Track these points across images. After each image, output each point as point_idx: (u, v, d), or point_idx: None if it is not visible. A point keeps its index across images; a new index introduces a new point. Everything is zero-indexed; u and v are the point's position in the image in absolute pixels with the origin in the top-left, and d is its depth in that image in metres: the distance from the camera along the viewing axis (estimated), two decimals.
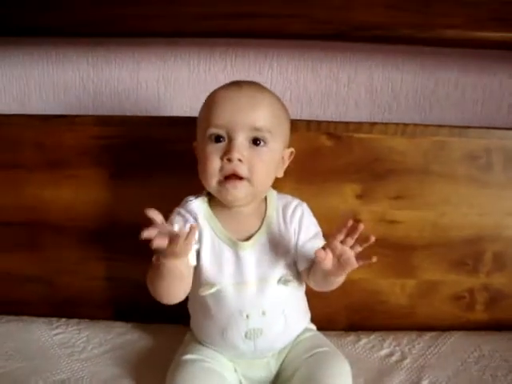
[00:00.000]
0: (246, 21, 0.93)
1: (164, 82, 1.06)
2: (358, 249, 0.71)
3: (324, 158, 0.95)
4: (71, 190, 0.99)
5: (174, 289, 0.77)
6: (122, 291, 1.02)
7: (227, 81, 1.03)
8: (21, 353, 0.89)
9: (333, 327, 0.97)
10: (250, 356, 0.81)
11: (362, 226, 0.70)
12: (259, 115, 0.77)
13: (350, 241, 0.71)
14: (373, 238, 0.70)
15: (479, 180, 0.96)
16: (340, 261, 0.72)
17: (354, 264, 0.71)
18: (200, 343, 0.83)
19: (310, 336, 0.85)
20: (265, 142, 0.77)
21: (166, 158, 0.96)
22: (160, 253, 0.71)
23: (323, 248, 0.72)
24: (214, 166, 0.76)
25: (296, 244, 0.81)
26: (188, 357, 0.80)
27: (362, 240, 0.71)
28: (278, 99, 0.82)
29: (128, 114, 1.07)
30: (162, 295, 0.78)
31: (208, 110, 0.78)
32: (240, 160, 0.75)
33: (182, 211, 0.82)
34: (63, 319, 1.00)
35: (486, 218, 0.97)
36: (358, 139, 0.94)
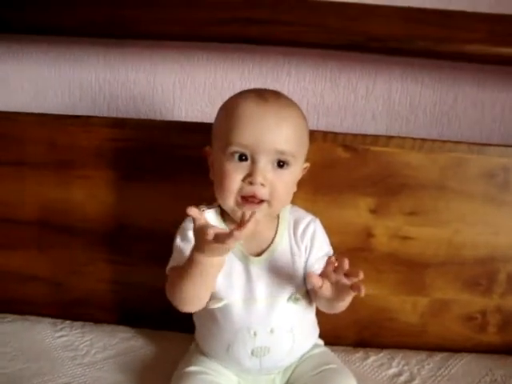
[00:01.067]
0: (264, 27, 0.92)
1: (180, 86, 1.06)
2: (346, 281, 0.69)
3: (339, 170, 0.94)
4: (82, 191, 0.98)
5: (203, 291, 0.73)
6: (129, 295, 1.01)
7: (244, 87, 1.02)
8: (24, 354, 0.88)
9: (341, 342, 0.96)
10: (256, 373, 0.79)
11: (346, 263, 0.68)
12: (284, 138, 0.74)
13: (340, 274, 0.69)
14: (361, 275, 0.68)
15: (496, 198, 0.94)
16: (338, 287, 0.70)
17: (350, 292, 0.69)
18: (204, 355, 0.82)
19: (317, 352, 0.83)
20: (288, 165, 0.76)
21: (180, 163, 0.95)
22: (201, 249, 0.66)
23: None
24: (234, 185, 0.74)
25: (306, 262, 0.80)
26: (192, 368, 0.78)
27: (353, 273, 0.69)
28: (301, 113, 0.80)
29: (143, 117, 1.06)
30: (186, 299, 0.73)
31: (230, 123, 0.75)
32: (262, 184, 0.74)
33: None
34: (67, 321, 0.99)
35: (501, 238, 0.95)
36: (374, 152, 0.93)
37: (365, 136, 0.94)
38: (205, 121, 1.02)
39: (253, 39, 0.95)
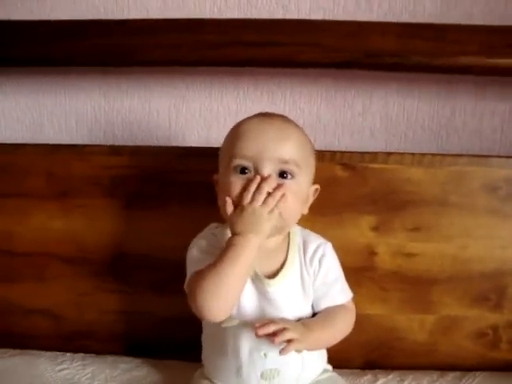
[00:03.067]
0: (258, 50, 0.92)
1: (176, 111, 1.06)
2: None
3: (338, 188, 0.93)
4: (81, 221, 0.98)
5: (237, 282, 0.71)
6: (131, 325, 1.00)
7: (239, 110, 1.03)
8: None
9: (349, 365, 0.93)
10: None
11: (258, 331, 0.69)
12: (287, 147, 0.74)
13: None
14: (261, 331, 0.69)
15: (500, 211, 0.93)
16: None
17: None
18: (210, 381, 0.80)
19: (326, 377, 0.81)
20: (292, 176, 0.75)
21: (178, 189, 0.95)
22: (240, 233, 0.70)
23: None
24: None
25: (313, 286, 0.79)
26: None
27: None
28: (304, 132, 0.80)
29: (139, 143, 1.06)
30: (223, 298, 0.70)
31: (233, 141, 0.76)
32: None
33: (208, 233, 0.80)
34: (68, 354, 0.98)
35: (508, 251, 0.94)
36: (373, 170, 0.92)
37: (363, 154, 0.93)
38: (201, 145, 1.03)
39: (247, 61, 0.95)
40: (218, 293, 0.70)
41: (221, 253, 0.71)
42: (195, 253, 0.78)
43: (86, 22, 0.99)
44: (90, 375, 0.91)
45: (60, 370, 0.93)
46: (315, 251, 0.80)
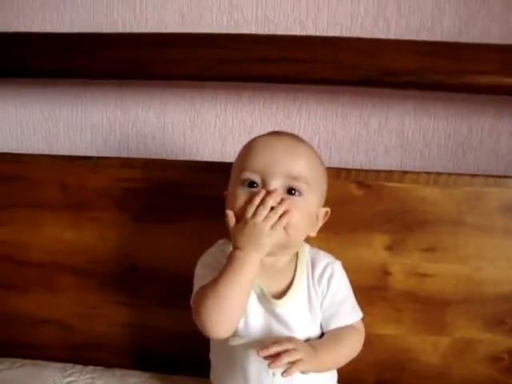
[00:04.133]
0: (274, 66, 0.92)
1: (190, 124, 1.06)
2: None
3: (353, 207, 0.92)
4: (93, 233, 0.98)
5: (239, 296, 0.70)
6: (141, 338, 0.99)
7: (254, 125, 1.03)
8: None
9: None
10: None
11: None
12: (297, 164, 0.74)
13: None
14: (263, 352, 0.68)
15: None
16: None
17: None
18: None
19: None
20: (300, 193, 0.74)
21: (191, 203, 0.94)
22: (241, 247, 0.69)
23: None
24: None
25: (321, 305, 0.78)
26: None
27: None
28: (317, 153, 0.80)
29: (153, 156, 1.06)
30: (225, 313, 0.69)
31: (244, 155, 0.76)
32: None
33: (216, 250, 0.80)
34: (78, 366, 0.97)
35: None
36: (388, 188, 0.91)
37: (378, 172, 0.92)
38: (216, 160, 1.03)
39: (263, 77, 0.95)
40: (219, 308, 0.69)
41: (222, 267, 0.70)
42: (201, 269, 0.78)
43: (103, 35, 1.00)
44: None
45: (69, 383, 0.92)
46: (324, 270, 0.79)
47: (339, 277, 0.80)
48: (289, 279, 0.78)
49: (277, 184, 0.72)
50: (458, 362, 0.94)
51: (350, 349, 0.78)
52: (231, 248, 0.73)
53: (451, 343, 0.94)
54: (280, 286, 0.77)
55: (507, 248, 0.92)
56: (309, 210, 0.75)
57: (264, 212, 0.70)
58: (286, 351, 0.67)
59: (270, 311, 0.76)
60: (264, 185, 0.73)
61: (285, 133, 0.80)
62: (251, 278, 0.70)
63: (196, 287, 0.76)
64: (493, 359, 0.93)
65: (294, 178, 0.73)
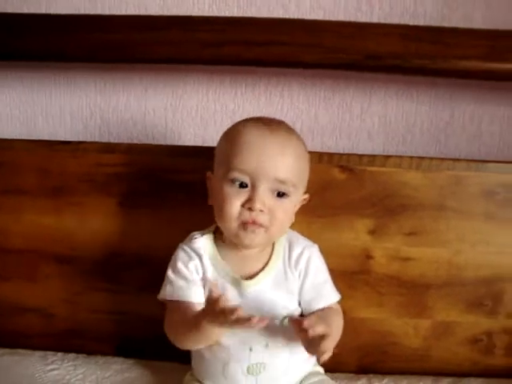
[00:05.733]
0: (257, 49, 0.91)
1: (172, 109, 1.04)
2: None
3: (335, 191, 0.92)
4: (74, 218, 0.96)
5: (203, 344, 0.76)
6: (124, 325, 0.98)
7: (236, 109, 1.02)
8: None
9: (342, 369, 0.93)
10: None
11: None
12: (286, 167, 0.74)
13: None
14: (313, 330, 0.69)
15: (497, 217, 0.92)
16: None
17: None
18: (200, 382, 0.81)
19: (317, 380, 0.81)
20: (288, 195, 0.76)
21: (173, 188, 0.93)
22: (207, 318, 0.69)
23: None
24: (234, 211, 0.74)
25: (301, 288, 0.79)
26: None
27: None
28: (303, 144, 0.80)
29: (135, 141, 1.05)
30: (186, 346, 0.79)
31: (232, 150, 0.75)
32: (261, 210, 0.73)
33: (187, 248, 0.80)
34: (59, 354, 0.96)
35: (504, 257, 0.93)
36: (371, 172, 0.91)
37: (361, 156, 0.92)
38: (197, 144, 1.02)
39: (245, 61, 0.93)
40: (181, 346, 0.78)
41: (190, 322, 0.72)
42: (172, 271, 0.80)
43: (81, 17, 0.97)
44: (81, 376, 0.90)
45: (50, 370, 0.91)
46: (301, 253, 0.80)
47: (317, 260, 0.81)
48: (264, 262, 0.79)
49: (265, 187, 0.74)
50: (439, 344, 0.95)
51: (338, 329, 0.79)
52: (206, 242, 0.79)
53: (432, 326, 0.95)
54: (254, 268, 0.79)
55: (488, 232, 0.93)
56: (293, 207, 0.78)
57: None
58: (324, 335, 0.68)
59: (244, 294, 0.77)
60: (253, 187, 0.74)
61: (274, 124, 0.78)
62: (214, 338, 0.74)
63: (164, 285, 0.80)
64: (472, 341, 0.95)
65: (282, 182, 0.74)
